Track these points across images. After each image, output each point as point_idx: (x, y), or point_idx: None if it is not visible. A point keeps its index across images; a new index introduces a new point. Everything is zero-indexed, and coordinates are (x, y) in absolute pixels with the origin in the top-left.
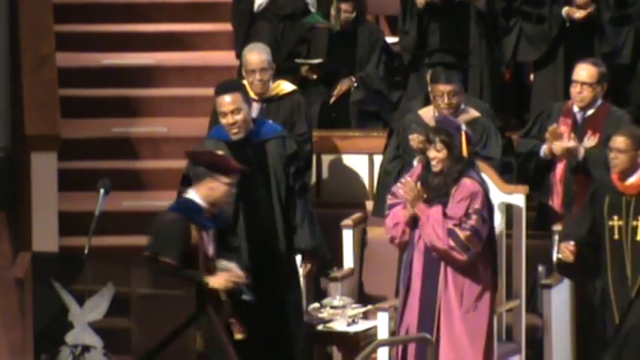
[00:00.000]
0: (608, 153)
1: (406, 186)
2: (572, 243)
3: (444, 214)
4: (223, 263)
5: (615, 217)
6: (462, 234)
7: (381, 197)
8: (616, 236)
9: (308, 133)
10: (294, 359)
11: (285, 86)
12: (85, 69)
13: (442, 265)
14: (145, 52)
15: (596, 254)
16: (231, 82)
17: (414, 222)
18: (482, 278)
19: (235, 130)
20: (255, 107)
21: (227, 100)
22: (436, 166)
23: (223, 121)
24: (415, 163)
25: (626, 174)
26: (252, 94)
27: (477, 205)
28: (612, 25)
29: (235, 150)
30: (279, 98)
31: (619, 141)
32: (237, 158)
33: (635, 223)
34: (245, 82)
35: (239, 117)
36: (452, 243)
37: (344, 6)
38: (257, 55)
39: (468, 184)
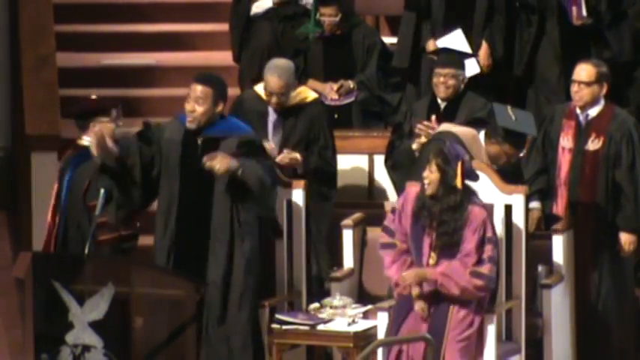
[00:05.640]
0: None
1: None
2: None
3: (455, 255)
4: None
5: None
6: (485, 269)
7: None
8: None
9: (330, 144)
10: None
11: (307, 94)
12: (85, 69)
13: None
14: (145, 52)
15: None
16: (213, 77)
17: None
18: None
19: (190, 119)
20: (272, 115)
21: (197, 89)
22: (427, 188)
23: (186, 105)
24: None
25: None
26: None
27: (488, 232)
28: (610, 29)
29: (187, 138)
30: (299, 107)
31: None
32: (185, 146)
33: None
34: (262, 91)
35: (199, 108)
36: (479, 282)
37: (326, 10)
38: (277, 79)
39: (476, 211)
